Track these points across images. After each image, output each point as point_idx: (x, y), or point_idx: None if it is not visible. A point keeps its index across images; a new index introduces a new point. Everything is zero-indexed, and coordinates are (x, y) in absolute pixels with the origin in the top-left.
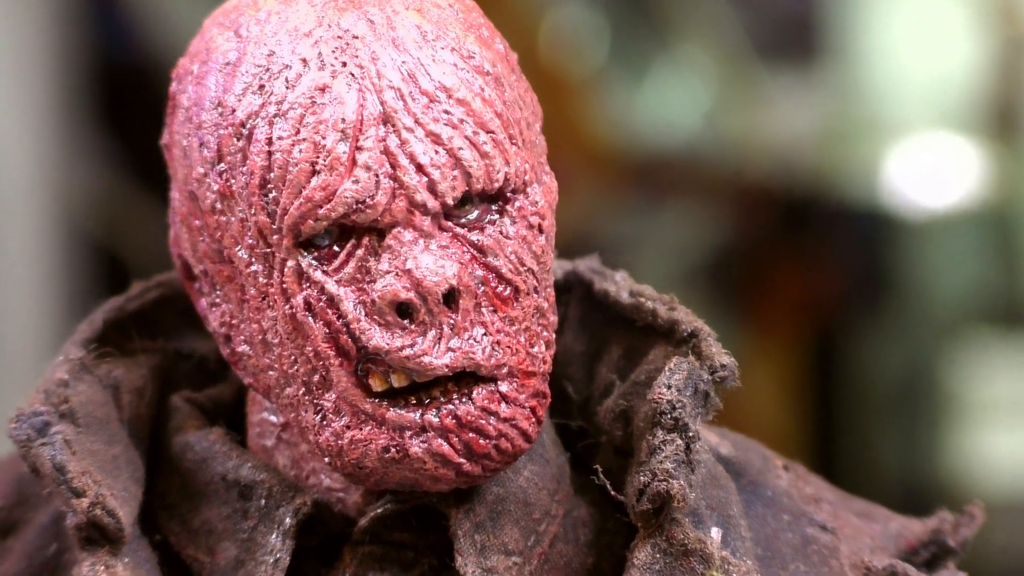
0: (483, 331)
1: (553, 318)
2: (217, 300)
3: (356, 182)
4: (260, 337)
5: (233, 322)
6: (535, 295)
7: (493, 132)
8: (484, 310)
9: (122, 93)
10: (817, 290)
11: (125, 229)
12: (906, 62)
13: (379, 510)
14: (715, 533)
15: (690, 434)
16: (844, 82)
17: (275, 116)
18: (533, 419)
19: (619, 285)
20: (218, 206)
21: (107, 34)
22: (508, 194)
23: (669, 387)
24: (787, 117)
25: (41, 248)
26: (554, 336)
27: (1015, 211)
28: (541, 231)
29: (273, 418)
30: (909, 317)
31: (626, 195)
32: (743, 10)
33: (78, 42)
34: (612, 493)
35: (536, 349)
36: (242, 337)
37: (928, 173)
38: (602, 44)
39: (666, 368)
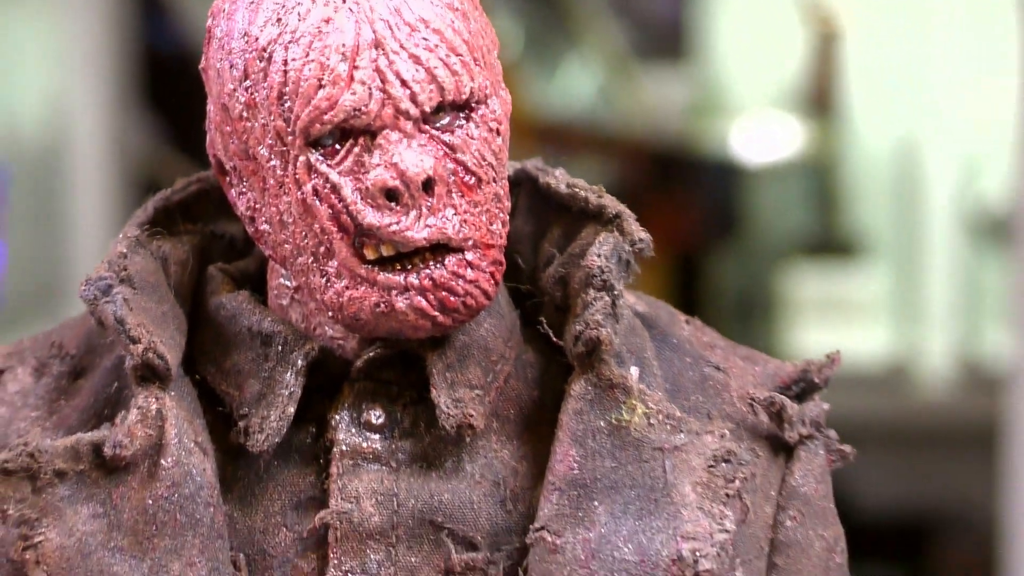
0: (453, 211)
1: (507, 203)
2: (244, 190)
3: (354, 94)
4: (278, 218)
5: (256, 206)
6: (494, 184)
7: (461, 55)
8: (454, 195)
9: (165, 75)
10: (682, 224)
11: (167, 179)
12: (747, 57)
13: (371, 354)
14: (634, 371)
15: (615, 293)
16: (701, 71)
17: (289, 42)
18: (492, 281)
19: (558, 179)
20: (244, 114)
21: (154, 31)
22: (473, 104)
23: (599, 256)
24: (660, 96)
25: (106, 193)
26: (508, 218)
27: (824, 166)
28: (498, 134)
29: (287, 283)
30: (750, 244)
31: (539, 151)
32: (629, 17)
33: (132, 35)
34: (554, 340)
35: (494, 227)
36: (263, 218)
37: (763, 137)
38: (521, 40)
39: (596, 241)
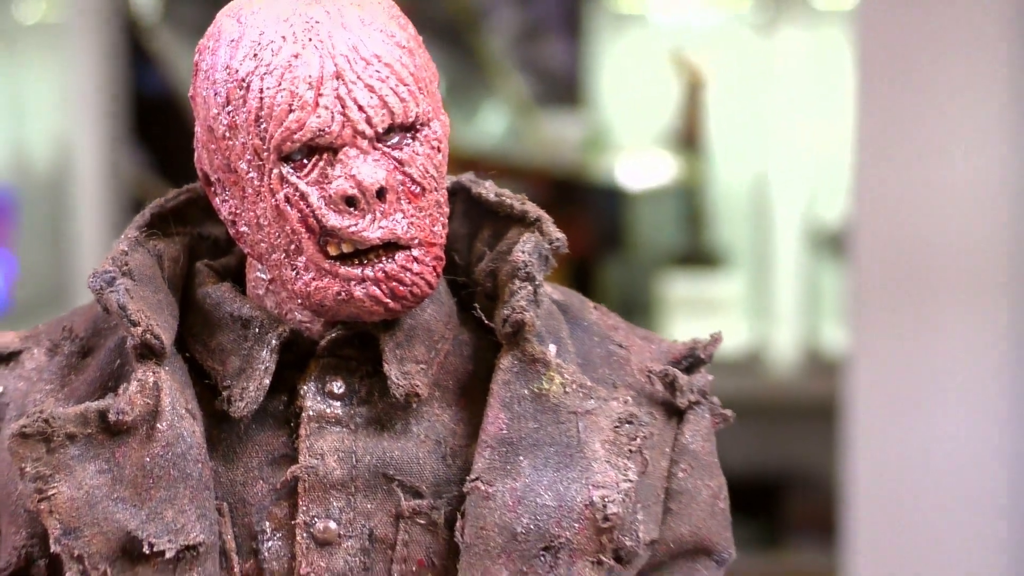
0: (402, 215)
1: (446, 209)
2: (226, 198)
3: (319, 117)
4: (255, 221)
5: (237, 212)
6: (435, 192)
7: (408, 85)
8: (402, 202)
9: (150, 115)
10: (577, 237)
11: (149, 197)
12: (629, 102)
13: (333, 335)
14: (552, 348)
15: (536, 283)
16: (592, 114)
17: (264, 74)
18: (434, 274)
19: (488, 189)
20: (227, 134)
21: (141, 78)
22: (418, 126)
23: (523, 252)
24: (559, 134)
25: (102, 213)
26: (447, 221)
27: (692, 192)
28: (439, 151)
29: (263, 276)
30: (632, 255)
31: None
32: (533, 70)
33: (124, 82)
34: (486, 322)
35: (436, 228)
36: (243, 222)
37: (642, 168)
38: (444, 88)
39: (520, 240)
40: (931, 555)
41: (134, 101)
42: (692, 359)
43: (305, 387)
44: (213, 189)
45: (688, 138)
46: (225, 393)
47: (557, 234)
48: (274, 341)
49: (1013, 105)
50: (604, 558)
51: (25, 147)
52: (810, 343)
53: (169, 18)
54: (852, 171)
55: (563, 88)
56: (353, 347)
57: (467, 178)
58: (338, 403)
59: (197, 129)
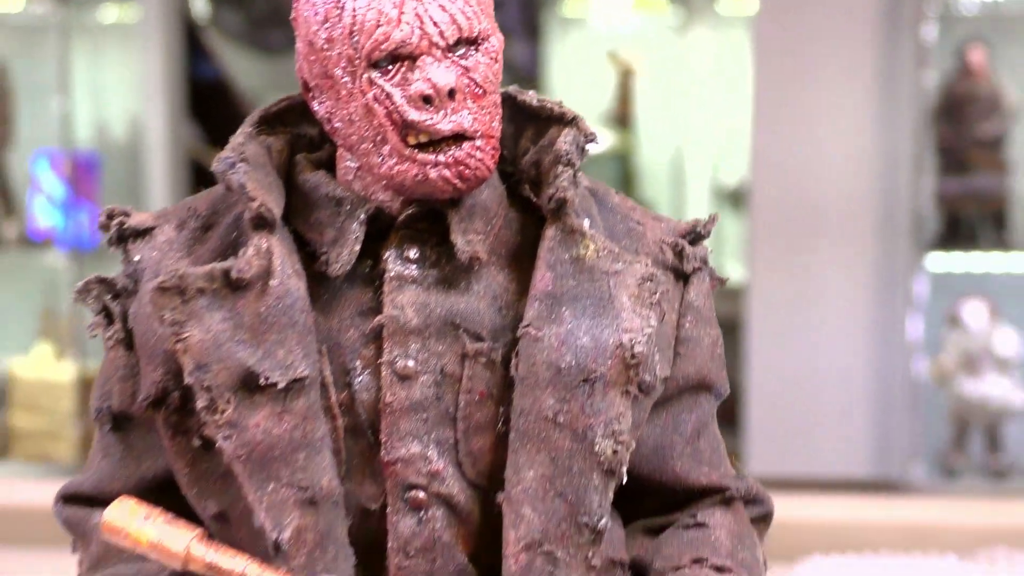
0: (468, 112)
1: (500, 110)
2: (323, 100)
3: (401, 31)
4: (348, 118)
5: (332, 111)
6: (493, 95)
7: (472, 6)
8: (468, 101)
9: (204, 96)
10: None
11: (205, 163)
12: (576, 89)
13: (410, 211)
14: (586, 222)
15: (576, 168)
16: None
17: None
18: (492, 160)
19: (531, 97)
20: (325, 47)
21: (197, 66)
22: (480, 40)
23: (565, 142)
24: None
25: (165, 172)
26: (501, 118)
27: (624, 159)
28: (496, 61)
29: (352, 164)
30: None
31: None
32: (504, 67)
33: (183, 69)
34: (534, 200)
35: (494, 124)
36: (337, 119)
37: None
38: None
39: (562, 134)
40: (809, 439)
41: (191, 85)
42: (695, 234)
43: (387, 253)
44: (311, 94)
45: (621, 117)
46: (323, 258)
47: (590, 129)
48: (362, 216)
49: (876, 90)
50: (631, 389)
51: (106, 121)
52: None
53: (217, 21)
54: (750, 143)
55: (525, 80)
56: (425, 221)
57: (512, 89)
58: (413, 266)
59: (298, 44)
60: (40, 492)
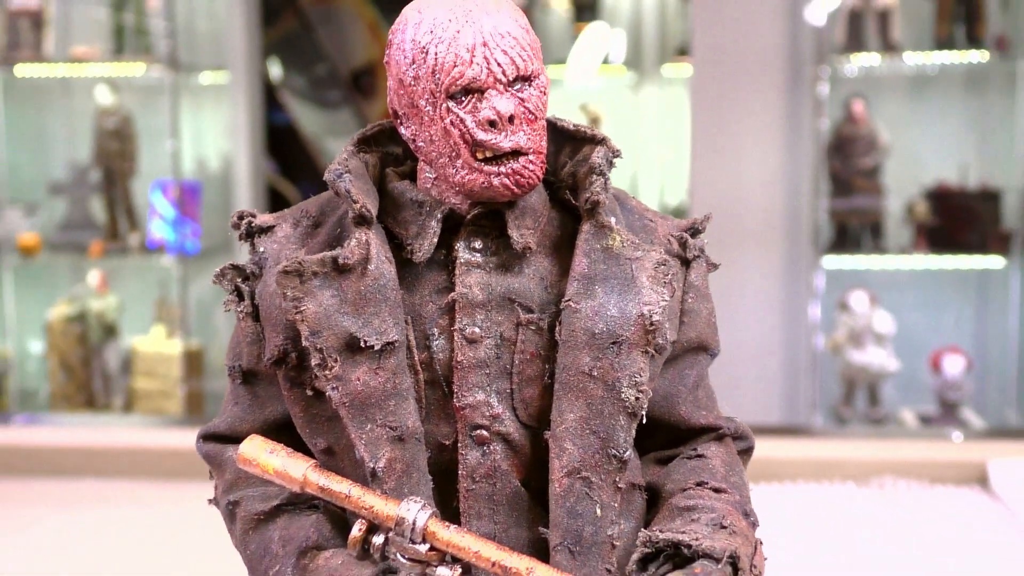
0: (523, 134)
1: (546, 132)
2: (409, 124)
3: (473, 70)
4: (429, 138)
5: (416, 133)
6: (542, 120)
7: (527, 51)
8: (523, 125)
9: (279, 139)
10: None
11: (279, 191)
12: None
13: (476, 211)
14: (612, 220)
15: (606, 177)
16: None
17: (438, 43)
18: (541, 171)
19: (567, 122)
20: (412, 83)
21: (273, 115)
22: (532, 78)
23: (598, 157)
24: None
25: (250, 197)
26: (547, 138)
27: None
28: (544, 93)
29: (430, 175)
30: None
31: None
32: None
33: (262, 117)
34: (572, 203)
35: (543, 143)
36: (420, 139)
37: None
38: None
39: (595, 151)
40: (736, 394)
41: (268, 131)
42: (694, 229)
43: (458, 244)
44: (399, 120)
45: None
46: (408, 248)
47: (617, 148)
48: (439, 215)
49: (784, 133)
50: (649, 349)
51: (206, 158)
52: None
53: (287, 82)
54: (688, 172)
55: None
56: (488, 219)
57: (552, 116)
58: (479, 254)
59: (390, 81)
60: (155, 437)
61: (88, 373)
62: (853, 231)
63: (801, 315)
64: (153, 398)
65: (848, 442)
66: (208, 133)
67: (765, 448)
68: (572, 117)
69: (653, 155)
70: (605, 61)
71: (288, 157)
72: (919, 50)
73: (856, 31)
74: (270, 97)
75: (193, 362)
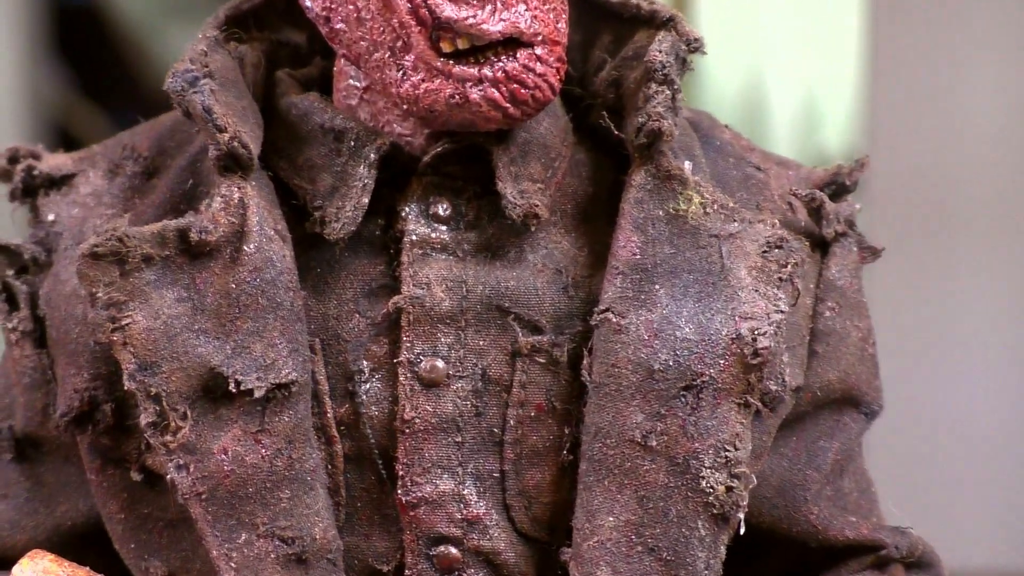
0: (525, 7)
1: (567, 5)
2: None
3: None
4: (355, 15)
5: (332, 6)
6: None
7: None
8: None
9: (72, 28)
10: None
11: (75, 121)
12: None
13: (439, 148)
14: (687, 165)
15: (676, 87)
16: None
17: None
18: (557, 76)
19: None
20: None
21: None
22: None
23: (660, 51)
24: None
25: (21, 138)
26: (567, 18)
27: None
28: None
29: (357, 83)
30: None
31: None
32: None
33: None
34: (615, 133)
35: (560, 25)
36: (339, 17)
37: None
38: None
39: (655, 40)
40: (938, 517)
41: (54, 13)
42: (836, 186)
43: (406, 208)
44: None
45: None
46: (317, 214)
47: (695, 33)
48: (372, 155)
49: None
50: (752, 399)
51: None
52: None
53: None
54: (862, 95)
55: None
56: (460, 163)
57: None
58: (444, 227)
59: None
60: None
61: None
62: None
63: None
64: None
65: None
66: None
67: None
68: None
69: (791, 67)
70: None
71: (92, 60)
72: None
73: None
74: None
75: None
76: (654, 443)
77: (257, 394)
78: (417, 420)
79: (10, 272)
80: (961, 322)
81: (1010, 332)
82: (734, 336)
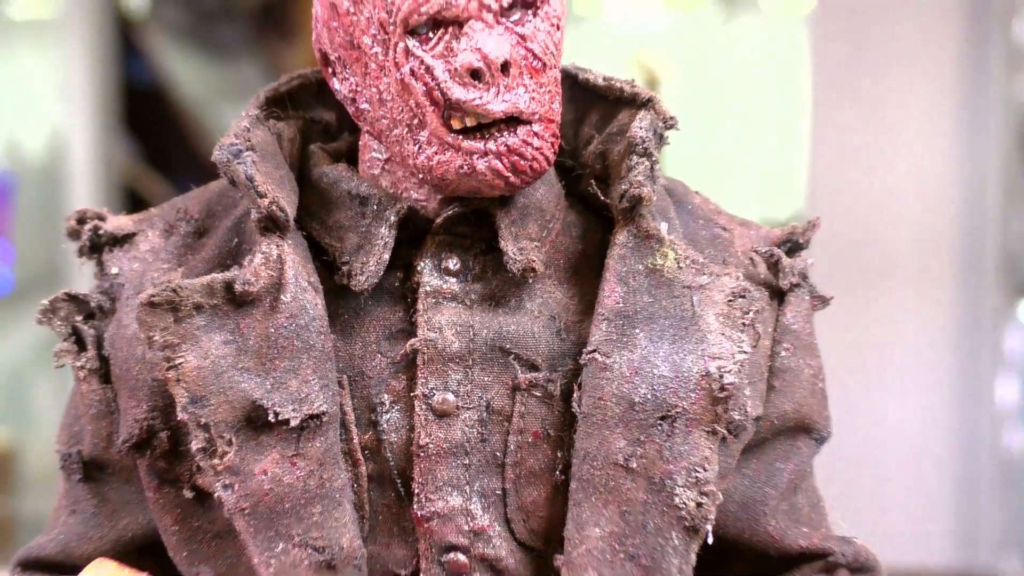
0: (524, 90)
1: (560, 89)
2: (346, 76)
3: None
4: (377, 97)
5: (358, 89)
6: (554, 69)
7: None
8: (525, 77)
9: (140, 106)
10: None
11: (140, 185)
12: None
13: (450, 212)
14: (663, 226)
15: (654, 159)
16: None
17: None
18: (552, 150)
19: (595, 74)
20: (351, 9)
21: (131, 69)
22: (539, 2)
23: (640, 128)
24: None
25: (95, 201)
26: (560, 100)
27: None
28: (558, 28)
29: (379, 156)
30: None
31: None
32: None
33: (114, 73)
34: (601, 198)
35: (554, 105)
36: (364, 98)
37: None
38: None
39: (636, 119)
40: (878, 522)
41: (124, 93)
42: (791, 243)
43: (422, 263)
44: (331, 69)
45: None
46: (345, 268)
47: (670, 113)
48: (392, 217)
49: (959, 100)
50: (718, 429)
51: (20, 137)
52: None
53: (155, 16)
54: (806, 167)
55: None
56: (468, 225)
57: (571, 65)
58: (453, 279)
59: (316, 8)
60: None
61: None
62: None
63: (984, 396)
64: None
65: None
66: (25, 97)
67: None
68: (612, 71)
69: (747, 139)
70: None
71: (155, 134)
72: None
73: None
74: (126, 40)
75: (6, 466)
76: (635, 465)
77: (293, 423)
78: (431, 445)
79: (79, 318)
80: (892, 355)
81: (930, 363)
82: (704, 373)
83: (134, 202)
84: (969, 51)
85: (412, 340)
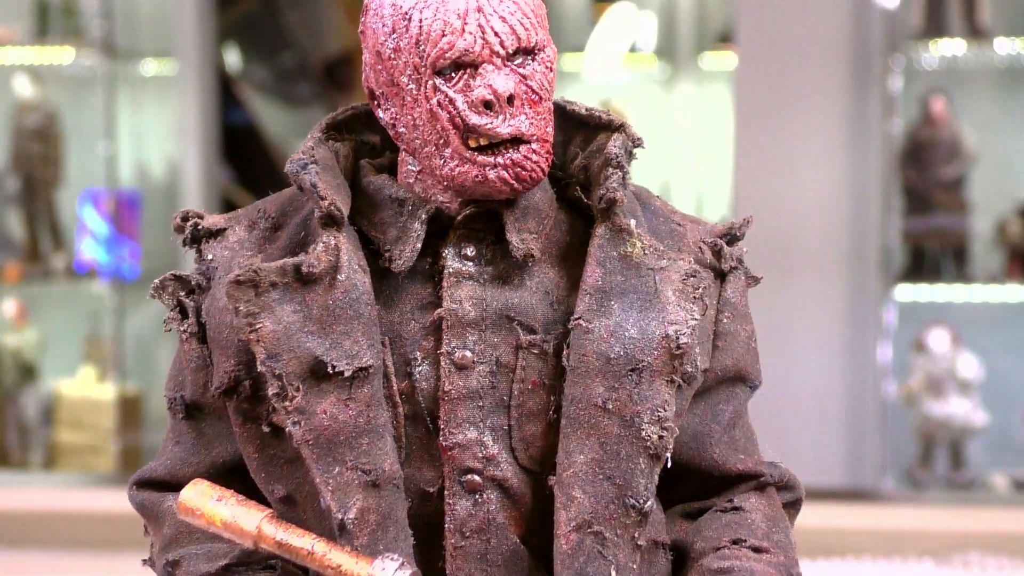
0: (525, 117)
1: (553, 116)
2: (388, 107)
3: (465, 40)
4: (412, 123)
5: (397, 117)
6: (548, 102)
7: (529, 18)
8: (525, 107)
9: (236, 141)
10: None
11: (235, 201)
12: None
13: (468, 211)
14: (632, 222)
15: (625, 171)
16: None
17: (423, 8)
18: (547, 163)
19: (579, 106)
20: (392, 56)
21: (229, 113)
22: (536, 50)
23: (615, 146)
24: None
25: (204, 207)
26: (553, 125)
27: None
28: (551, 70)
29: (413, 168)
30: None
31: None
32: None
33: (216, 116)
34: (585, 201)
35: (549, 129)
36: (401, 124)
37: None
38: None
39: (611, 140)
40: (789, 451)
41: (224, 131)
42: (731, 235)
43: (446, 251)
44: (376, 102)
45: None
46: (387, 254)
47: (637, 135)
48: (423, 216)
49: (847, 137)
50: (675, 378)
51: (147, 164)
52: None
53: (247, 75)
54: (731, 184)
55: None
56: (482, 221)
57: (561, 99)
58: (470, 263)
59: (365, 55)
60: (83, 500)
61: (1, 423)
62: (932, 256)
63: (868, 357)
64: (80, 454)
65: (925, 511)
66: (150, 134)
67: (823, 516)
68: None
69: (689, 164)
70: (632, 50)
71: (247, 163)
72: (1012, 36)
73: (936, 13)
74: (226, 91)
75: (129, 411)
76: (611, 407)
77: (346, 374)
78: (453, 391)
79: (182, 293)
80: (800, 325)
81: (828, 332)
82: (664, 335)
83: (230, 209)
84: (855, 98)
85: (438, 310)
